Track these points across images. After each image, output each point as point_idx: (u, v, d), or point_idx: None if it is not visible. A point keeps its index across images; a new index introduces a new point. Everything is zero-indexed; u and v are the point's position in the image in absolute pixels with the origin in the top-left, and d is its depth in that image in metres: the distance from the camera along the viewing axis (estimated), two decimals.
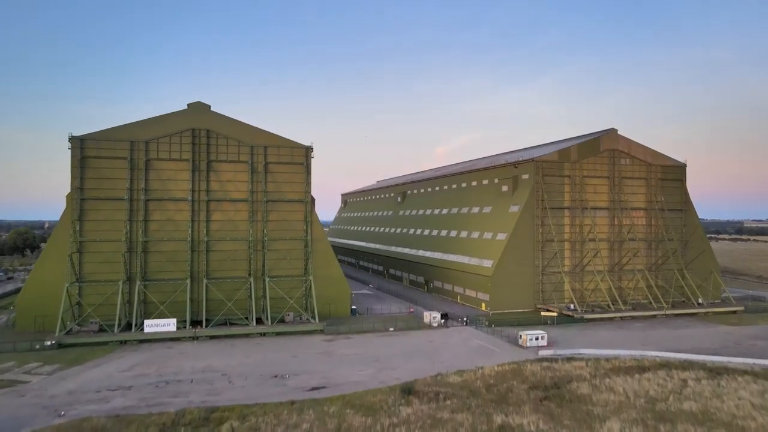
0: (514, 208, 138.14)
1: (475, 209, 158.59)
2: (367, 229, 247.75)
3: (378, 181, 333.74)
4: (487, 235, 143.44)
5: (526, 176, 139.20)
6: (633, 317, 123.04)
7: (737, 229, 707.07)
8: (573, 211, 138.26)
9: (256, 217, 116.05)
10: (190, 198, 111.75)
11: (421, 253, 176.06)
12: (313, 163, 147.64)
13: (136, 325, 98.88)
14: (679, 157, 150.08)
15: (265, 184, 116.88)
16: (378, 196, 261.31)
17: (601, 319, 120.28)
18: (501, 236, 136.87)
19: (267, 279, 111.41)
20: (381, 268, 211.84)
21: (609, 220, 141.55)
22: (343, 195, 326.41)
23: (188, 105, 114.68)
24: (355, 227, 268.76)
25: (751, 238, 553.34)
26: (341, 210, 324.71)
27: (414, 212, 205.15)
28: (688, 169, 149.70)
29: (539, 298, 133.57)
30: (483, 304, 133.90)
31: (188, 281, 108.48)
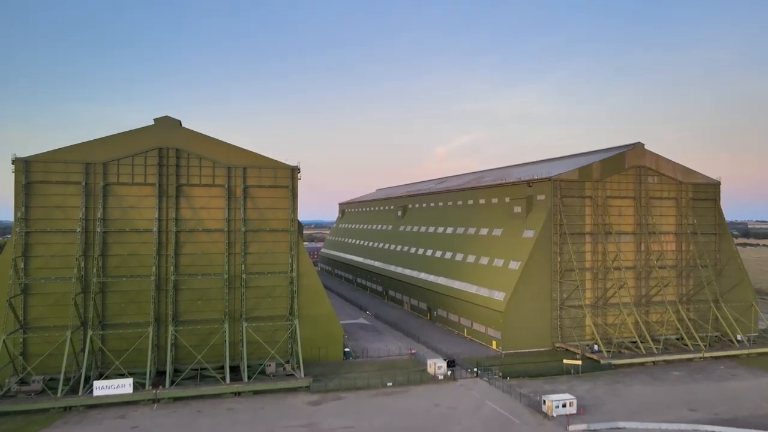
0: (529, 233, 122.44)
1: (484, 231, 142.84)
2: (366, 243, 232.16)
3: (377, 190, 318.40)
4: (498, 262, 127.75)
5: (541, 197, 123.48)
6: (667, 361, 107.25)
7: (743, 232, 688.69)
8: (595, 236, 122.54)
9: (233, 249, 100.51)
10: (156, 228, 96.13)
11: (423, 276, 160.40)
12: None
13: (85, 385, 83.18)
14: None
15: (245, 211, 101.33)
16: (377, 208, 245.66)
17: (631, 365, 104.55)
18: (514, 265, 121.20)
19: (245, 324, 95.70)
20: (380, 289, 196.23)
21: (635, 246, 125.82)
22: (340, 204, 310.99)
23: (155, 120, 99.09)
24: (353, 240, 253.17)
25: (760, 242, 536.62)
26: (338, 220, 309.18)
27: (415, 229, 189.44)
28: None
29: (557, 336, 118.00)
30: (494, 342, 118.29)
31: (152, 326, 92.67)
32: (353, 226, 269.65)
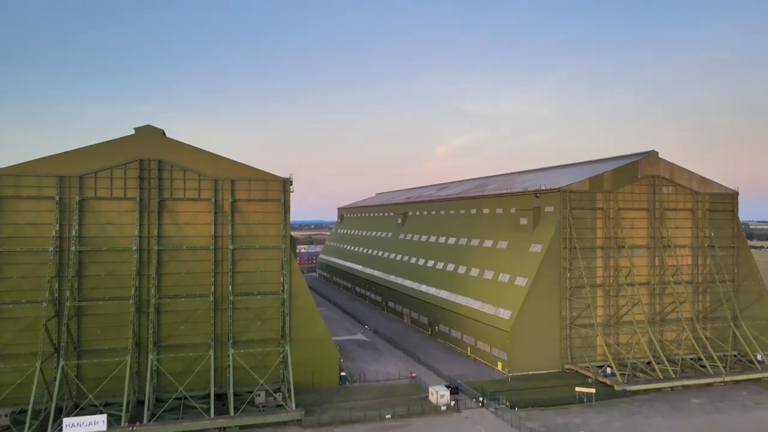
0: (536, 248, 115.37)
1: (488, 243, 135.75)
2: (365, 251, 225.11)
3: (377, 194, 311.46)
4: (503, 278, 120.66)
5: (550, 209, 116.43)
6: (685, 387, 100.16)
7: (747, 233, 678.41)
8: (606, 250, 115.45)
9: (221, 268, 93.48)
10: (136, 247, 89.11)
11: (424, 288, 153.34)
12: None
13: (57, 418, 76.18)
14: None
15: (233, 227, 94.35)
16: (376, 215, 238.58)
17: (648, 391, 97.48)
18: (520, 281, 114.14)
19: (231, 351, 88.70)
20: (379, 299, 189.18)
21: (649, 260, 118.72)
22: (339, 209, 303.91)
23: (135, 130, 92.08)
24: (352, 247, 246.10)
25: (764, 245, 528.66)
26: (337, 225, 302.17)
27: (416, 237, 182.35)
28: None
29: (567, 357, 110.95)
30: (499, 364, 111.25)
31: (130, 353, 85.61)
32: (352, 232, 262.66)
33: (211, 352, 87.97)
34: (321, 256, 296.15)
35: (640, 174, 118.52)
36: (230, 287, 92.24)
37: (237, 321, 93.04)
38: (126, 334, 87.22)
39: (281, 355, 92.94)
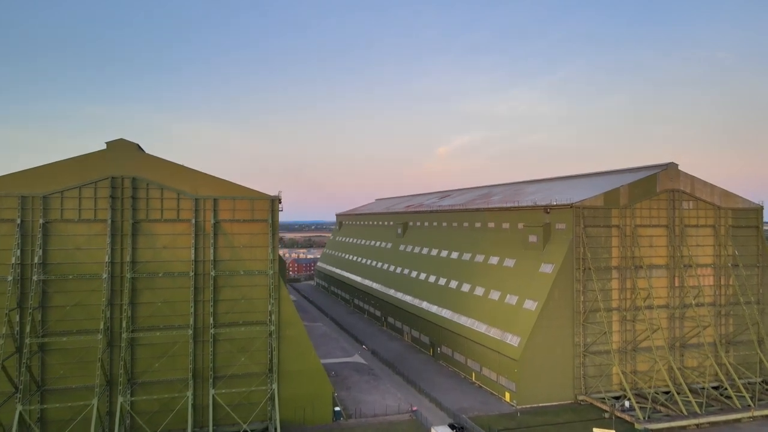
0: (547, 268, 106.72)
1: (493, 260, 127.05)
2: (364, 261, 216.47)
3: (377, 200, 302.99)
4: (511, 299, 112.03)
5: (561, 226, 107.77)
6: (711, 423, 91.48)
7: None
8: (623, 271, 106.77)
9: (201, 296, 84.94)
10: (107, 273, 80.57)
11: (425, 306, 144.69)
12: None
13: None
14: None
15: (215, 251, 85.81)
16: (376, 223, 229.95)
17: (671, 429, 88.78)
18: (530, 304, 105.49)
19: (212, 390, 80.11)
20: (379, 314, 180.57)
21: (669, 281, 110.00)
22: (338, 216, 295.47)
23: (107, 144, 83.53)
24: (351, 256, 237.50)
25: None
26: (335, 232, 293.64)
27: (417, 249, 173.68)
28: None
29: (581, 387, 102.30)
30: (507, 394, 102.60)
31: (98, 392, 77.10)
32: (351, 241, 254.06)
33: (189, 393, 79.32)
34: (319, 264, 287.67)
35: (658, 188, 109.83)
36: (212, 317, 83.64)
37: (220, 354, 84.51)
38: (95, 371, 78.56)
39: (269, 394, 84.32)
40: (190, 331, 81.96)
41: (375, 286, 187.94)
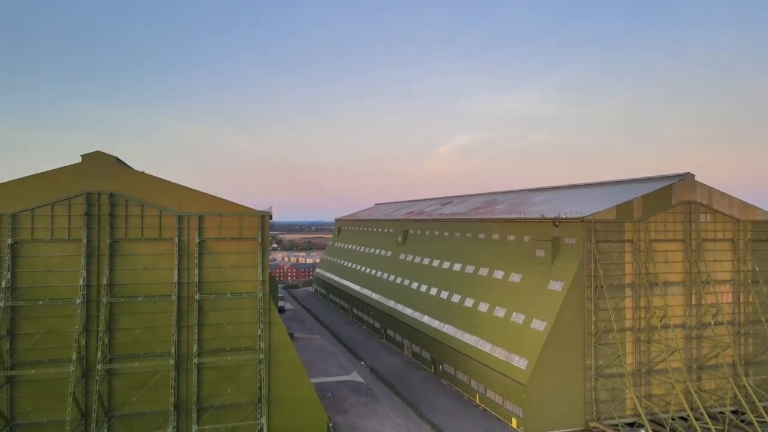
0: (556, 285, 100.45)
1: (498, 274, 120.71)
2: (363, 269, 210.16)
3: (376, 204, 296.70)
4: (517, 318, 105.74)
5: (571, 240, 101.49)
6: None
7: None
8: (636, 288, 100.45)
9: (185, 320, 78.73)
10: (82, 298, 74.39)
11: (426, 320, 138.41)
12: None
13: None
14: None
15: (200, 272, 79.57)
16: (375, 230, 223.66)
17: None
18: (538, 324, 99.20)
19: (195, 427, 73.85)
20: (378, 325, 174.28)
21: (685, 298, 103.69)
22: (337, 220, 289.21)
23: (83, 157, 77.30)
24: (350, 264, 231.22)
25: None
26: (334, 238, 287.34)
27: (417, 259, 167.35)
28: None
29: (592, 412, 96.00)
30: (514, 420, 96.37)
31: (69, 429, 70.87)
32: (350, 247, 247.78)
33: (170, 428, 73.05)
34: (317, 270, 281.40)
35: (674, 200, 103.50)
36: (196, 343, 77.40)
37: (204, 384, 78.31)
38: (68, 403, 72.29)
39: (258, 426, 78.03)
40: (172, 361, 75.60)
41: (374, 296, 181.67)
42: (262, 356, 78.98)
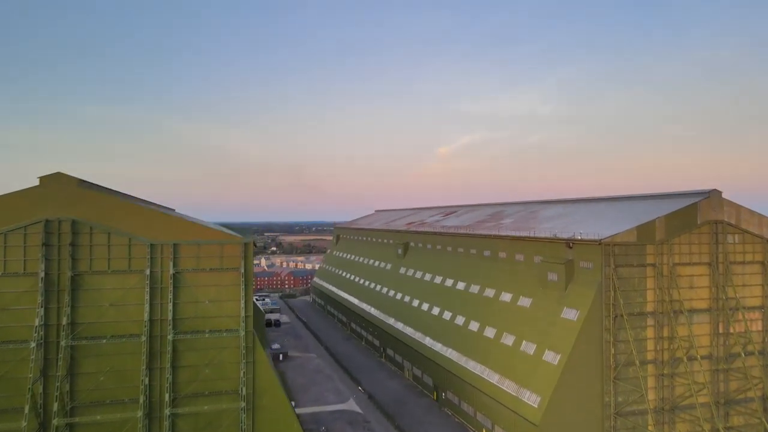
0: (570, 314, 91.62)
1: (506, 297, 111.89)
2: (362, 282, 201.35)
3: (376, 211, 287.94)
4: (528, 347, 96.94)
5: (587, 264, 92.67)
6: None
7: None
8: (659, 317, 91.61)
9: (157, 363, 69.94)
10: (38, 340, 65.65)
11: (428, 342, 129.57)
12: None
13: None
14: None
15: (175, 307, 70.78)
16: (375, 240, 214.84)
17: None
18: (551, 356, 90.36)
19: None
20: (377, 343, 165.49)
21: (711, 327, 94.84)
22: (336, 228, 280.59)
23: (40, 179, 68.56)
24: (348, 275, 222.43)
25: None
26: (333, 247, 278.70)
27: (419, 275, 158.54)
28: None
29: None
30: None
31: None
32: (349, 257, 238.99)
33: None
34: (315, 280, 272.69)
35: (699, 219, 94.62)
36: (169, 388, 68.65)
37: None
38: None
39: None
40: (140, 412, 66.77)
41: (373, 312, 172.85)
42: (244, 404, 70.11)
